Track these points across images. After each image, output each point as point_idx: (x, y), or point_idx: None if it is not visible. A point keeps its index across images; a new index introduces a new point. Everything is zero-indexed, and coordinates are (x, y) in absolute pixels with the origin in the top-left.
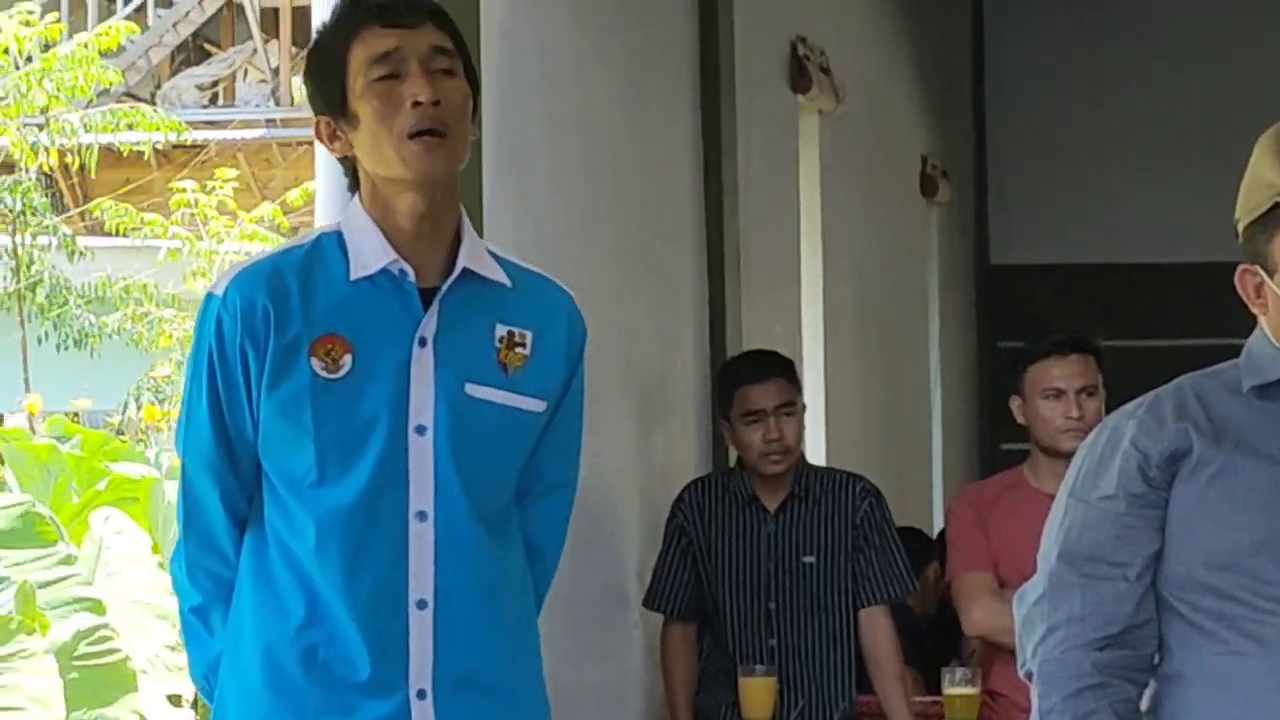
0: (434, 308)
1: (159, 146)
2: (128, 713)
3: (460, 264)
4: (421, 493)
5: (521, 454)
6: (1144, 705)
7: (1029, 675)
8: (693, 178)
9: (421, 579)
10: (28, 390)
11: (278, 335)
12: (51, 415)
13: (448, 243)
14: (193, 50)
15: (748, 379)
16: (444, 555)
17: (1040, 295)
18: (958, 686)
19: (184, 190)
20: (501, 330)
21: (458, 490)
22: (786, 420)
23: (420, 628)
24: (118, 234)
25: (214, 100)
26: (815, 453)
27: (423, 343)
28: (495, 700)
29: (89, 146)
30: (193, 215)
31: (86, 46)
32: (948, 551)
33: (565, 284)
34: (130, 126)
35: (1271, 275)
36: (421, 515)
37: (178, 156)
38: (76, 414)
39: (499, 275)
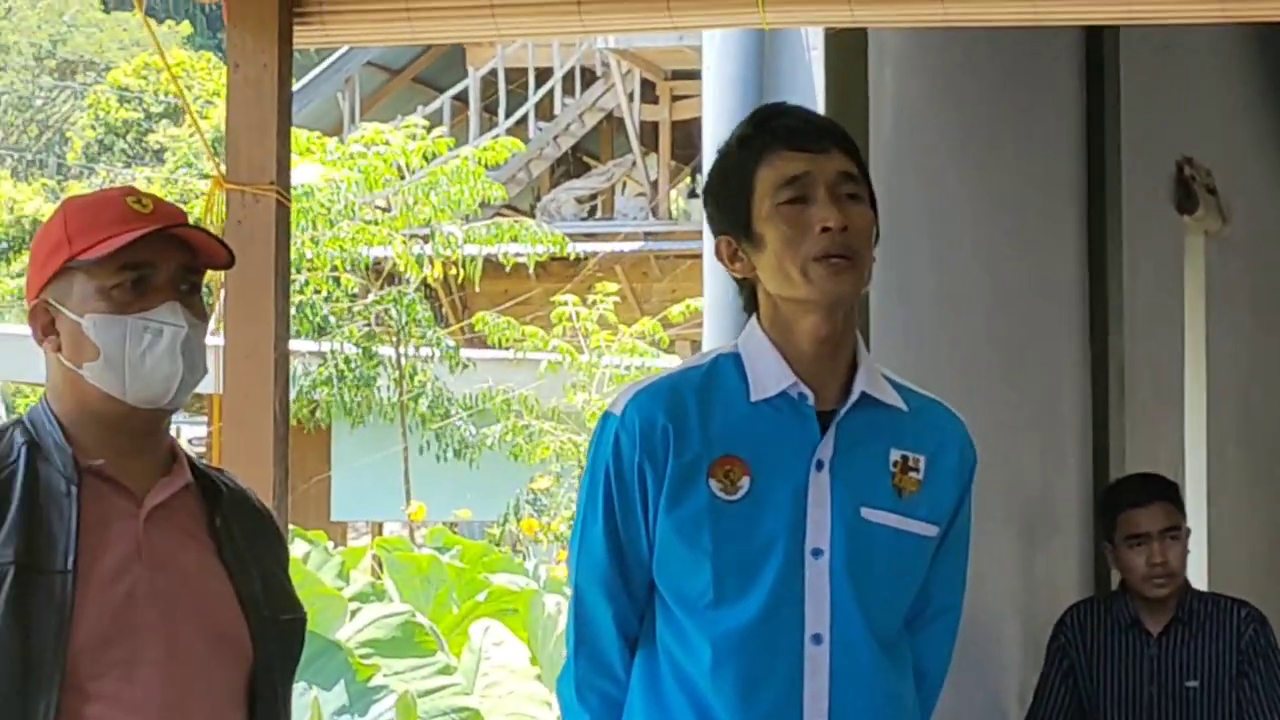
0: (831, 431)
1: (538, 259)
2: None
3: (858, 388)
4: (818, 616)
5: (916, 578)
6: None
7: None
8: (1078, 298)
9: (817, 702)
10: (408, 499)
11: (677, 455)
12: (431, 525)
13: (846, 366)
14: (572, 163)
15: (1132, 503)
16: (840, 679)
17: None
18: None
19: (564, 304)
20: (896, 455)
21: (854, 613)
22: (1171, 544)
23: None
24: (498, 346)
25: (592, 213)
26: (1197, 575)
27: (819, 466)
28: None
29: (471, 259)
30: (573, 328)
31: (470, 160)
32: None
33: (951, 403)
34: (512, 239)
35: None
36: (817, 638)
37: (556, 269)
38: (455, 524)
39: (895, 400)
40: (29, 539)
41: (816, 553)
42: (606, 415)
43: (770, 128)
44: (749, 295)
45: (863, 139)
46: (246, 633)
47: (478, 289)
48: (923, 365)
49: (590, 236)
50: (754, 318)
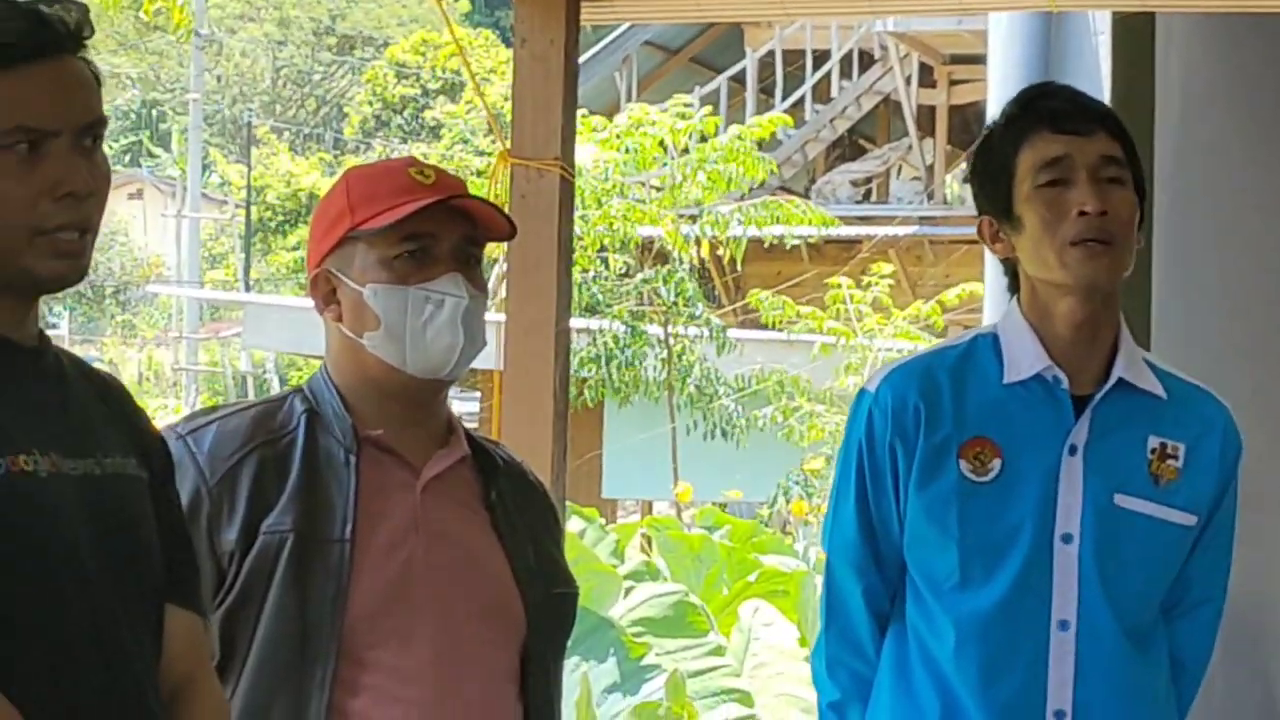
0: (1086, 416)
1: (812, 241)
2: None
3: (1116, 373)
4: (1065, 602)
5: (1170, 568)
6: None
7: None
8: None
9: (1061, 690)
10: (676, 479)
11: (928, 435)
12: (698, 505)
13: (1105, 351)
14: (848, 146)
15: None
16: (1085, 667)
17: None
18: None
19: (839, 286)
20: (1154, 442)
21: (1102, 601)
22: None
23: None
24: (770, 327)
25: (867, 196)
26: None
27: (1073, 451)
28: None
29: (738, 239)
30: (845, 311)
31: (742, 139)
32: None
33: (1228, 397)
34: (785, 220)
35: None
36: (1064, 624)
37: (830, 251)
38: (724, 504)
39: (1154, 387)
40: (308, 508)
41: (1066, 538)
42: (862, 393)
43: (1035, 108)
44: (1012, 276)
45: (1148, 126)
46: (520, 606)
47: (750, 269)
48: (1207, 361)
49: (864, 220)
50: (1014, 299)
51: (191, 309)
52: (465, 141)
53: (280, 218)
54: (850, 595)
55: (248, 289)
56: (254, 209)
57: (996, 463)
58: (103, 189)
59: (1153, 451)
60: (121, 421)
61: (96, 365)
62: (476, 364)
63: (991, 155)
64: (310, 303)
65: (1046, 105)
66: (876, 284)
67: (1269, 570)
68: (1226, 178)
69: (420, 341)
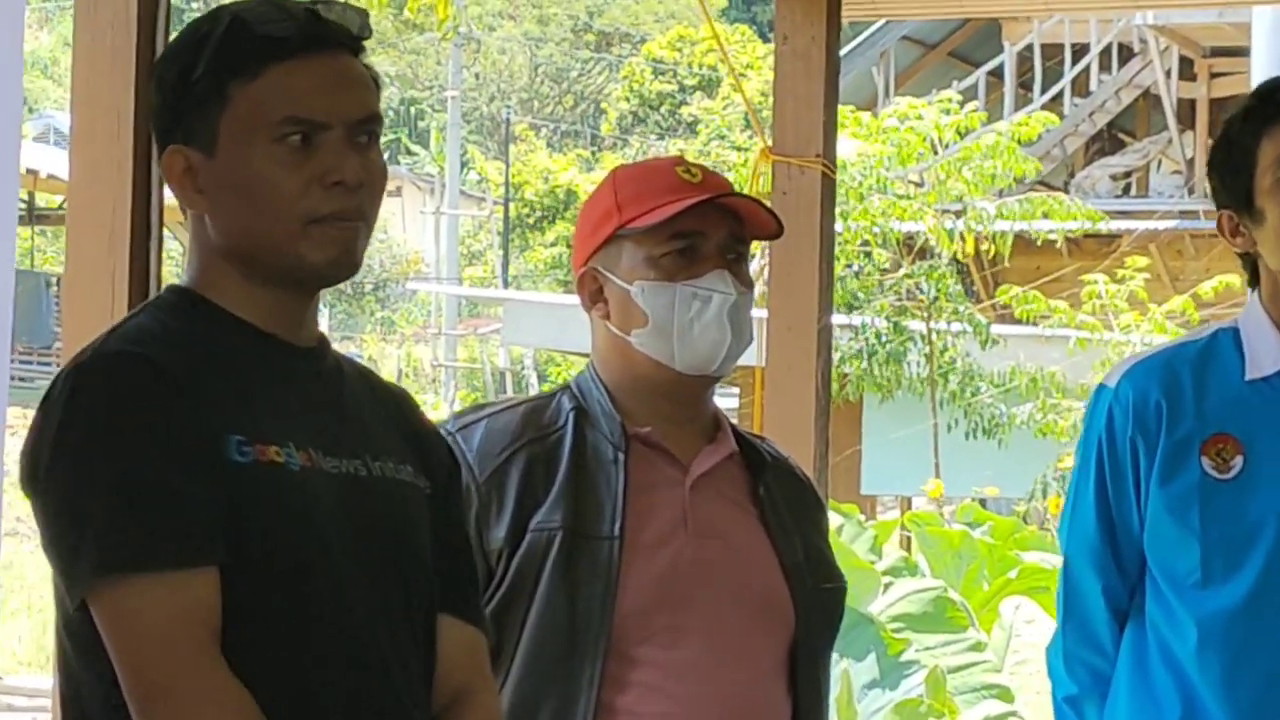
0: None
1: (1071, 235)
2: None
3: None
4: None
5: None
6: None
7: None
8: None
9: None
10: (936, 475)
11: (1169, 431)
12: (957, 502)
13: None
14: (1107, 140)
15: None
16: None
17: None
18: None
19: (1094, 281)
20: None
21: None
22: None
23: None
24: (1026, 322)
25: (1126, 190)
26: None
27: None
28: None
29: (1003, 234)
30: (1103, 305)
31: (1004, 135)
32: None
33: None
34: (1045, 215)
35: None
36: None
37: (1089, 246)
38: (983, 500)
39: None
40: (577, 504)
41: None
42: (1101, 388)
43: (1276, 100)
44: (1251, 270)
45: None
46: (790, 601)
47: (1009, 264)
48: None
49: (1124, 214)
50: (1254, 293)
51: (450, 305)
52: (722, 137)
53: (538, 214)
54: (1089, 592)
55: (506, 285)
56: (512, 205)
57: (1239, 460)
58: (376, 183)
59: None
60: (405, 430)
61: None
62: (740, 361)
63: (1231, 148)
64: (569, 299)
65: None
66: (1132, 277)
67: None
68: None
69: (688, 338)
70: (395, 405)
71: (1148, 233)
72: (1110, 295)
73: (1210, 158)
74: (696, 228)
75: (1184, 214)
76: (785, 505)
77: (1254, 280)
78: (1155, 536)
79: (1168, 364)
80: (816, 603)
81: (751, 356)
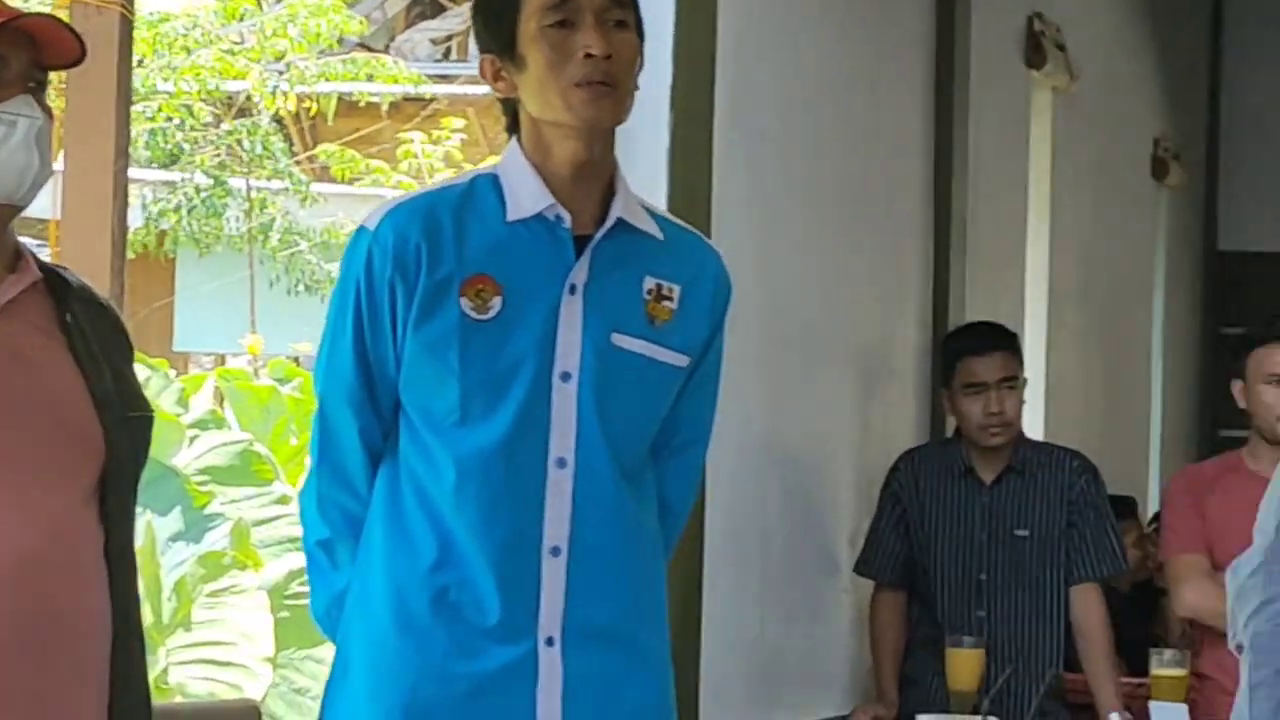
0: (586, 256)
1: (392, 99)
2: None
3: (614, 214)
4: (563, 439)
5: (662, 407)
6: None
7: (1239, 648)
8: (923, 151)
9: (557, 526)
10: (253, 332)
11: (429, 273)
12: (273, 358)
13: (602, 192)
14: (428, 4)
15: (971, 350)
16: (581, 503)
17: (1268, 282)
18: (1166, 668)
19: (410, 141)
20: (650, 283)
21: (599, 439)
22: (1008, 394)
23: (553, 575)
24: (344, 181)
25: (446, 55)
26: (1033, 429)
27: (573, 290)
28: (622, 652)
29: (326, 95)
30: (419, 166)
31: None
32: (1161, 533)
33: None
34: (369, 77)
35: None
36: (561, 462)
37: (408, 108)
38: (298, 358)
39: (651, 228)
40: None
41: (565, 376)
42: (361, 230)
43: None
44: (512, 116)
45: None
46: (99, 429)
47: (330, 125)
48: (769, 212)
49: (443, 78)
50: (514, 139)
51: None
52: None
53: None
54: (345, 433)
55: None
56: None
57: (497, 301)
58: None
59: (649, 292)
60: None
61: None
62: (31, 213)
63: None
64: None
65: None
66: (448, 138)
67: (812, 417)
68: (785, 25)
69: None
70: None
71: (466, 96)
72: (427, 155)
73: (475, 2)
74: None
75: None
76: (92, 332)
77: (514, 126)
78: (412, 378)
79: (429, 207)
80: (126, 431)
81: (48, 210)
